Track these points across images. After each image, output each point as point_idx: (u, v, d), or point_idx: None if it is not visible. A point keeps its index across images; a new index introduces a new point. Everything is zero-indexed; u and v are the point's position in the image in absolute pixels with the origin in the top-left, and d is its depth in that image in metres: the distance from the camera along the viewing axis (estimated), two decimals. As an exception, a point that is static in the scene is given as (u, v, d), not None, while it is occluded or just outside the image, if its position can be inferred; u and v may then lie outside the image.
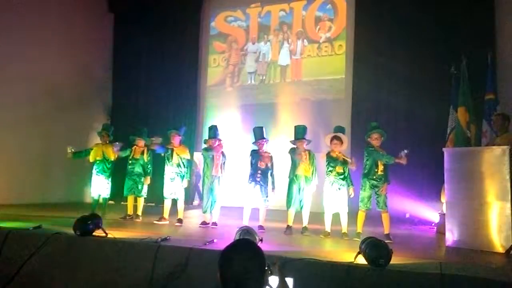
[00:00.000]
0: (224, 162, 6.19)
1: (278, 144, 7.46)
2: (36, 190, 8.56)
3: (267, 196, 5.97)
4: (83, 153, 6.97)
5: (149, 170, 6.82)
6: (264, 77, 10.14)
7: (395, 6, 8.37)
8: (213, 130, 6.25)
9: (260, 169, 5.99)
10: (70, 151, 6.76)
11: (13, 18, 8.38)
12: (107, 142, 6.99)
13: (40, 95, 8.90)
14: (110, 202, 7.73)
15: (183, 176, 6.47)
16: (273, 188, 6.01)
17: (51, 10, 9.27)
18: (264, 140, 6.11)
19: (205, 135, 8.19)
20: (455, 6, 7.85)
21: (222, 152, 6.20)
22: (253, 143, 6.18)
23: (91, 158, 6.90)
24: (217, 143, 6.14)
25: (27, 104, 8.62)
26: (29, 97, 8.67)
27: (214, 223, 6.08)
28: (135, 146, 6.87)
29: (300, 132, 5.89)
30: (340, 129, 5.79)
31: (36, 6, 8.85)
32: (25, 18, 8.61)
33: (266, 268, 1.68)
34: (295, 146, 5.90)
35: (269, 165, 6.02)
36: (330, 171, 5.60)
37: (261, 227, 5.77)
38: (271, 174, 6.04)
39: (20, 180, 8.28)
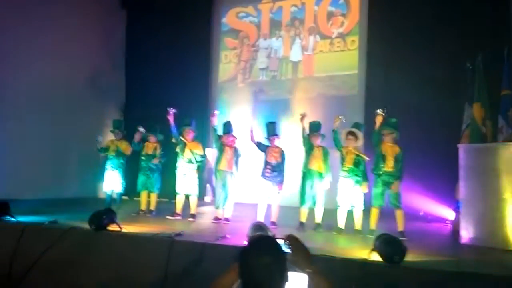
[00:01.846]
0: (237, 158, 6.19)
1: (290, 140, 7.43)
2: (51, 185, 8.67)
3: (278, 192, 5.96)
4: (104, 150, 7.18)
5: (160, 166, 6.91)
6: (276, 73, 10.10)
7: (408, 0, 8.26)
8: (227, 126, 6.26)
9: (270, 164, 5.99)
10: (100, 140, 7.05)
11: (26, 17, 8.43)
12: (121, 138, 7.09)
13: (54, 93, 8.98)
14: (124, 197, 7.80)
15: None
16: (280, 183, 5.95)
17: (64, 8, 9.32)
18: (277, 136, 6.10)
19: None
20: (470, 0, 7.71)
21: (235, 148, 6.21)
22: (265, 138, 6.18)
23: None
24: (230, 138, 6.16)
25: (42, 102, 8.70)
26: (44, 95, 8.75)
27: (227, 219, 6.10)
28: (147, 142, 6.94)
29: (314, 127, 5.88)
30: (357, 126, 5.77)
31: (48, 4, 8.90)
32: (38, 16, 8.67)
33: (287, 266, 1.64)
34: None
35: (279, 160, 6.01)
36: (344, 167, 5.57)
37: (273, 223, 5.76)
38: (282, 169, 6.01)
39: (36, 176, 8.39)
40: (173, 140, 6.58)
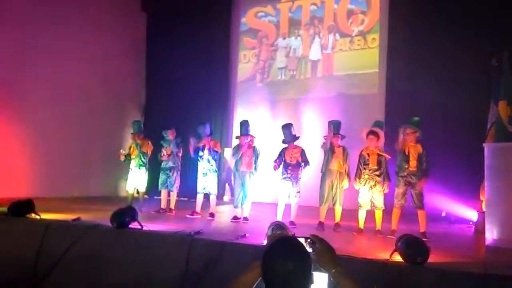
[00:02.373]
0: (257, 158, 6.20)
1: (309, 140, 7.39)
2: (75, 184, 8.89)
3: (298, 192, 5.93)
4: (128, 159, 7.20)
5: (179, 165, 7.07)
6: (294, 72, 10.05)
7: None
8: (245, 126, 6.26)
9: (290, 165, 5.96)
10: (122, 152, 7.09)
11: (47, 20, 8.60)
12: (142, 138, 7.22)
13: (77, 95, 9.18)
14: (145, 196, 7.91)
15: (215, 170, 6.56)
16: (299, 173, 5.90)
17: (84, 11, 9.48)
18: (294, 140, 6.07)
19: (236, 130, 8.27)
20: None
21: (254, 148, 6.22)
22: (283, 141, 6.13)
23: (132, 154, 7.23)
24: (248, 139, 6.17)
25: (66, 104, 8.91)
26: (67, 97, 8.96)
27: (245, 218, 6.12)
28: (166, 147, 7.06)
29: (334, 127, 5.82)
30: (378, 124, 5.68)
31: (68, 7, 9.06)
32: (59, 20, 8.83)
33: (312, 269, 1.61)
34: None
35: (299, 160, 5.98)
36: (365, 167, 5.49)
37: (292, 222, 5.73)
38: (303, 167, 5.96)
39: (60, 175, 8.61)
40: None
